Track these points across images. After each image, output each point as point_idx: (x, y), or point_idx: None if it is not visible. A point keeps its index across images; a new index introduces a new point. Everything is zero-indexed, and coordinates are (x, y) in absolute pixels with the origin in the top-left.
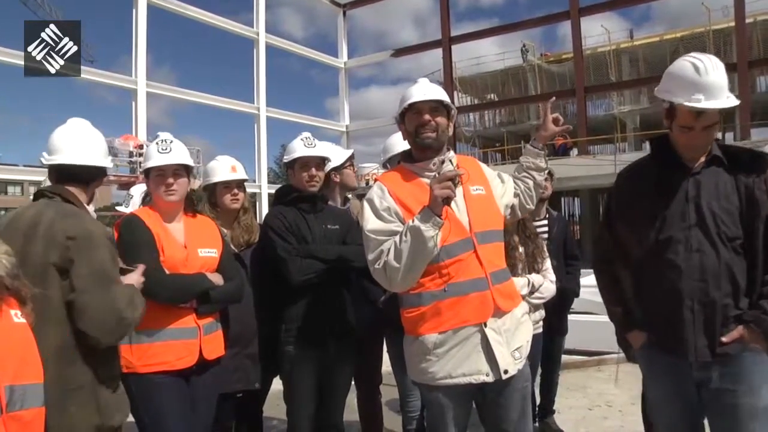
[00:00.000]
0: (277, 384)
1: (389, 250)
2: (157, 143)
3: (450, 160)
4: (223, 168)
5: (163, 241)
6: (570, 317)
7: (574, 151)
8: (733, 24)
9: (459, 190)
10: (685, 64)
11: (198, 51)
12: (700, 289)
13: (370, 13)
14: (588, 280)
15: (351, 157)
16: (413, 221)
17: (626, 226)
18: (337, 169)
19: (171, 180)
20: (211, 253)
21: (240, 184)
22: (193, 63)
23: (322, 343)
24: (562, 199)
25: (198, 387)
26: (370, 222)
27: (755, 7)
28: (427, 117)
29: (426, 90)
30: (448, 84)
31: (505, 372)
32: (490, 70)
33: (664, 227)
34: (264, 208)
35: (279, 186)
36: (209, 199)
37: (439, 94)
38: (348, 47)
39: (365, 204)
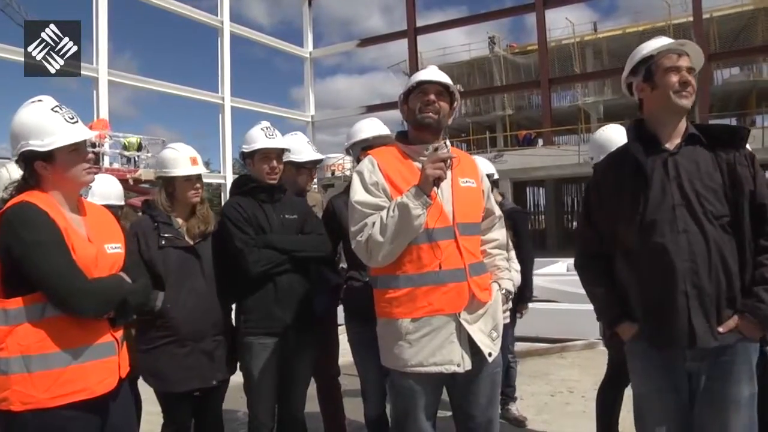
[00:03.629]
0: (240, 377)
1: (374, 223)
2: (55, 110)
3: (446, 148)
4: (184, 160)
5: (71, 237)
6: (533, 305)
7: (540, 142)
8: (691, 19)
9: (447, 181)
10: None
11: (161, 39)
12: (692, 270)
13: (336, 2)
14: (551, 269)
15: (315, 162)
16: (402, 198)
17: (610, 216)
18: (297, 165)
19: (91, 155)
20: (117, 249)
21: (200, 177)
22: (155, 51)
23: (282, 334)
24: (527, 189)
25: (117, 413)
26: (358, 193)
27: (712, 3)
28: (432, 97)
29: (435, 73)
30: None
31: (489, 355)
32: (456, 61)
33: (648, 210)
34: None
35: (236, 176)
36: (167, 189)
37: (447, 79)
38: (313, 35)
39: (355, 175)
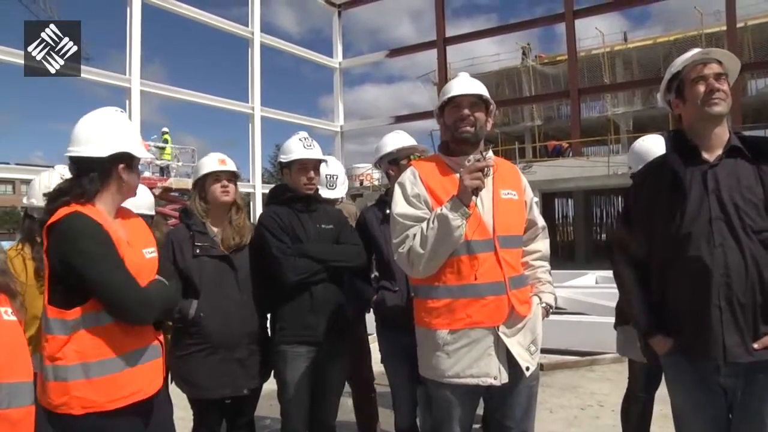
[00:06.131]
0: (270, 384)
1: (415, 235)
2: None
3: (485, 158)
4: (212, 160)
5: (122, 247)
6: (562, 318)
7: (569, 153)
8: (724, 28)
9: (488, 193)
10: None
11: (192, 49)
12: (726, 285)
13: (365, 12)
14: (579, 281)
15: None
16: (441, 209)
17: (647, 226)
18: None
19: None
20: (154, 253)
21: (230, 177)
22: (186, 60)
23: (316, 342)
24: (556, 200)
25: (159, 410)
26: (399, 206)
27: (746, 12)
28: (466, 111)
29: (466, 84)
30: (443, 84)
31: (527, 369)
32: (485, 71)
33: (684, 223)
34: (258, 208)
35: (273, 186)
36: (200, 194)
37: (479, 88)
38: (343, 45)
39: (396, 187)
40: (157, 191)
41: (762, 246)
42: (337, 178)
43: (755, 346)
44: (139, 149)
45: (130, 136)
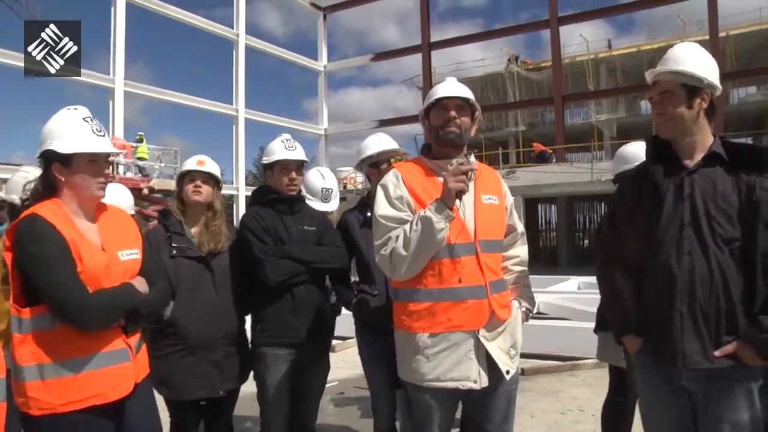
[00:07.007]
0: (250, 386)
1: (398, 237)
2: (85, 120)
3: (469, 161)
4: (191, 161)
5: (80, 248)
6: (544, 323)
7: (554, 159)
8: (707, 37)
9: (470, 197)
10: None
11: (176, 50)
12: (690, 292)
13: (350, 15)
14: (561, 286)
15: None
16: (425, 212)
17: (629, 229)
18: None
19: (108, 172)
20: (133, 255)
21: (206, 178)
22: (170, 61)
23: (297, 344)
24: (539, 206)
25: (135, 415)
26: (382, 207)
27: (728, 22)
28: (452, 113)
29: (453, 87)
30: (428, 89)
31: (507, 372)
32: (470, 76)
33: (659, 228)
34: (241, 210)
35: (256, 187)
36: (178, 194)
37: (466, 92)
38: (328, 48)
39: (379, 189)
40: (138, 192)
41: (730, 255)
42: (331, 192)
43: (716, 353)
44: (66, 145)
45: (58, 134)
